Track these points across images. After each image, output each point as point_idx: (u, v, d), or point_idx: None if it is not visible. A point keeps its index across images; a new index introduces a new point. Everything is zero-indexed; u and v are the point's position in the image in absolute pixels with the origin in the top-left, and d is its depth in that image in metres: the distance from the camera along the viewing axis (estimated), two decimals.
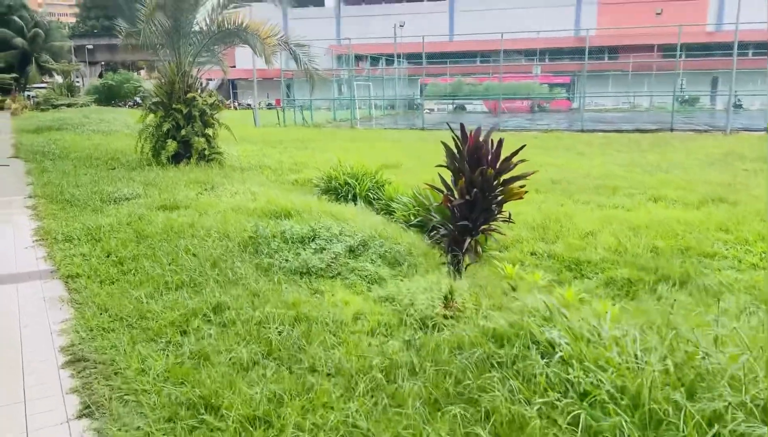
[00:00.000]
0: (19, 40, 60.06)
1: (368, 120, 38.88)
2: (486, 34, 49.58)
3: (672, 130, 25.89)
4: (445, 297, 4.20)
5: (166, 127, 12.89)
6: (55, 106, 42.82)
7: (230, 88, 73.75)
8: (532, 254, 7.39)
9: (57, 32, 68.85)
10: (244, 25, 12.60)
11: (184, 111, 12.97)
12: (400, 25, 52.69)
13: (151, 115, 13.51)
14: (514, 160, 5.54)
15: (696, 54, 48.48)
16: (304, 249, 5.86)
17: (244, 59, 72.62)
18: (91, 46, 72.86)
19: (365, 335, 4.02)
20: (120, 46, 74.69)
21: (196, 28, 13.46)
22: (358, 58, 42.42)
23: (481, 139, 5.62)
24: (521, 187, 5.49)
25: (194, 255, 5.81)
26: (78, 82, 67.98)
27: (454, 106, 53.88)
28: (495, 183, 5.47)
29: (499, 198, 5.54)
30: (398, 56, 50.19)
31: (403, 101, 52.21)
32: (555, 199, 10.30)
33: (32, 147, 16.86)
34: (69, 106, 43.33)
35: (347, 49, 37.43)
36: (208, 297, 4.65)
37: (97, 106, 48.13)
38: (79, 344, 4.00)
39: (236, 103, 61.74)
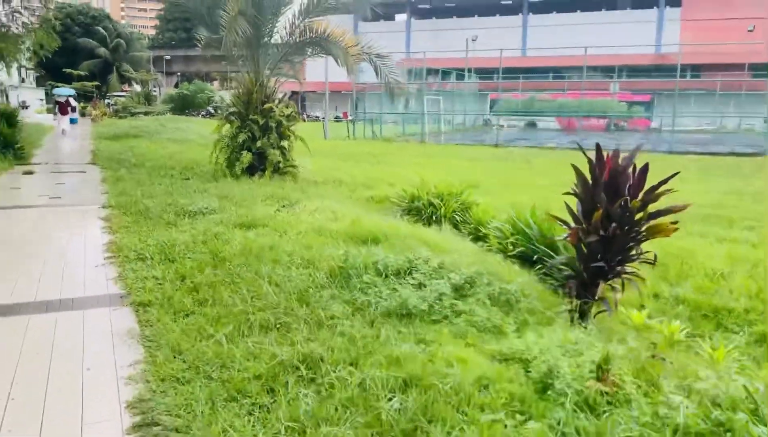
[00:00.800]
0: (102, 50, 62.80)
1: (437, 135, 38.10)
2: (561, 49, 48.11)
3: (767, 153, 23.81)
4: (599, 367, 3.28)
5: (241, 137, 12.48)
6: (132, 114, 44.20)
7: (299, 101, 74.76)
8: (654, 296, 6.33)
9: (137, 43, 71.81)
10: (326, 33, 12.07)
11: (261, 122, 12.53)
12: (473, 39, 51.83)
13: (227, 126, 13.15)
14: (662, 188, 4.57)
15: None
16: (401, 285, 5.06)
17: (313, 72, 73.61)
18: (168, 57, 75.48)
19: (496, 411, 3.16)
20: (198, 56, 76.62)
21: (276, 37, 13.06)
22: (429, 72, 41.73)
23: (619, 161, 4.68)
24: (673, 222, 4.50)
25: (278, 285, 5.11)
26: (155, 91, 70.53)
27: (526, 122, 52.45)
28: (638, 217, 4.52)
29: (641, 235, 4.58)
30: (468, 70, 49.29)
31: (472, 117, 51.16)
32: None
33: (109, 154, 16.93)
34: (146, 114, 44.62)
35: (420, 62, 36.81)
36: (298, 345, 3.90)
37: (172, 114, 49.44)
38: (149, 400, 3.32)
39: (305, 115, 62.28)
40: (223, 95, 65.49)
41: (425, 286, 5.04)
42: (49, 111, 50.72)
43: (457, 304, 4.76)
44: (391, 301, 4.73)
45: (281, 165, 12.75)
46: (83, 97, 55.54)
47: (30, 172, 13.36)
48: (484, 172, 16.54)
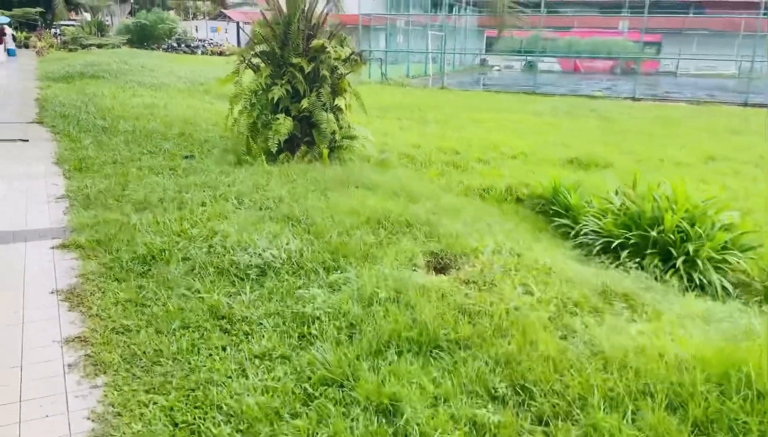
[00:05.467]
0: None
1: (438, 77, 33.63)
2: None
3: None
4: None
5: (276, 93, 7.91)
6: (84, 46, 37.97)
7: None
8: None
9: None
10: None
11: (307, 69, 7.98)
12: None
13: (246, 73, 8.49)
14: None
15: None
16: None
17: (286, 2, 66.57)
18: None
19: None
20: None
21: None
22: (433, 3, 36.55)
23: None
24: None
25: None
26: (107, 20, 62.62)
27: (524, 63, 47.87)
28: None
29: None
30: (467, 3, 44.36)
31: (469, 57, 46.45)
32: None
33: (62, 106, 12.02)
34: (99, 46, 38.46)
35: None
36: None
37: (130, 47, 43.14)
38: None
39: None
40: (187, 26, 58.54)
41: None
42: None
43: None
44: None
45: (336, 137, 8.30)
46: (26, 25, 48.26)
47: None
48: (577, 135, 12.34)
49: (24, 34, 44.79)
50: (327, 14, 8.43)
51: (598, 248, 5.21)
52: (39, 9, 51.54)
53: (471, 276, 3.75)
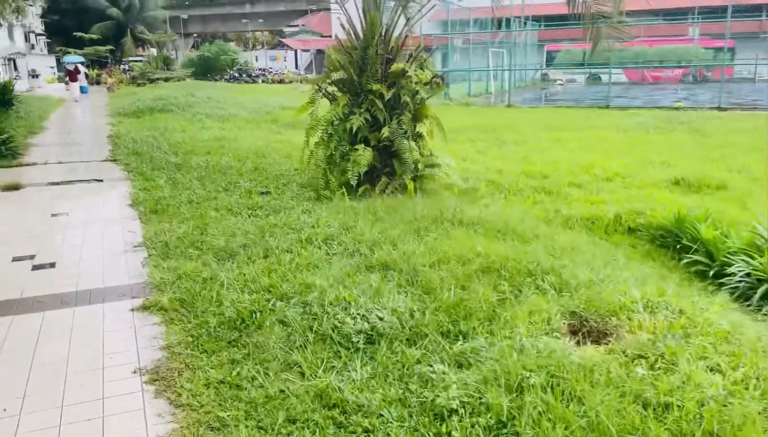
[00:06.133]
0: (114, 11, 57.56)
1: (502, 95, 32.83)
2: None
3: None
4: None
5: (355, 123, 7.39)
6: (151, 81, 39.20)
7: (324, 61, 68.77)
8: None
9: (152, 2, 66.17)
10: None
11: (387, 95, 7.42)
12: None
13: (321, 102, 7.99)
14: None
15: None
16: None
17: (340, 28, 67.31)
18: (185, 17, 69.88)
19: None
20: (215, 15, 71.39)
21: None
22: (493, 21, 35.82)
23: None
24: None
25: None
26: (172, 54, 64.94)
27: (588, 76, 46.27)
28: None
29: None
30: (526, 18, 43.38)
31: (530, 73, 45.32)
32: None
33: (135, 143, 11.95)
34: (166, 80, 39.64)
35: (486, 11, 31.17)
36: None
37: (194, 79, 44.34)
38: None
39: None
40: (247, 56, 59.91)
41: None
42: (60, 80, 45.92)
43: None
44: None
45: (419, 166, 7.69)
46: (97, 63, 50.49)
47: (13, 187, 8.37)
48: (673, 152, 11.29)
49: (95, 71, 46.78)
50: (406, 37, 7.89)
51: (759, 295, 4.34)
52: (109, 47, 54.00)
53: (635, 348, 3.00)
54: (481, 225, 5.61)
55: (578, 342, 3.23)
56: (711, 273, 5.11)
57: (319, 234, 5.44)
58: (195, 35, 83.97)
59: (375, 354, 3.29)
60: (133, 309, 4.10)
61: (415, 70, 7.70)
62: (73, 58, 35.55)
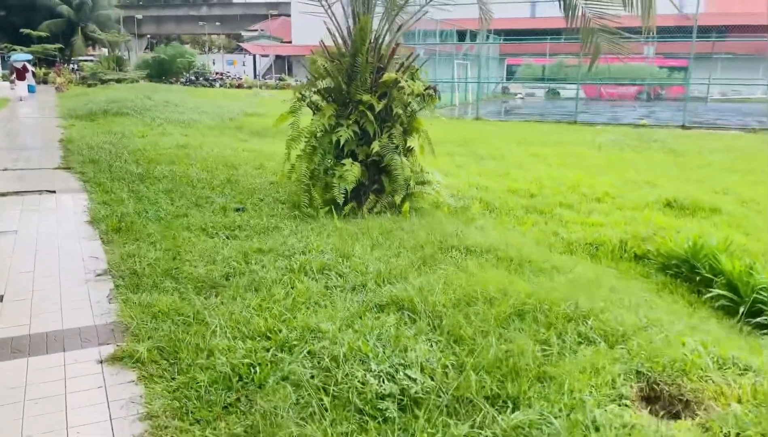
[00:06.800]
0: (64, 8, 55.18)
1: (464, 106, 32.90)
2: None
3: None
4: None
5: (342, 135, 6.79)
6: (103, 82, 37.59)
7: (285, 67, 67.81)
8: None
9: (104, 0, 63.89)
10: None
11: (378, 107, 6.86)
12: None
13: (301, 111, 7.33)
14: None
15: None
16: None
17: (303, 33, 66.43)
18: (140, 17, 67.75)
19: None
20: (170, 16, 69.77)
21: None
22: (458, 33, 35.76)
23: None
24: None
25: None
26: (125, 55, 62.71)
27: (548, 90, 46.89)
28: None
29: None
30: (488, 32, 43.52)
31: (491, 86, 45.53)
32: None
33: (90, 149, 11.00)
34: (119, 81, 38.10)
35: (451, 23, 31.20)
36: None
37: (148, 82, 42.79)
38: None
39: (298, 82, 55.68)
40: (206, 60, 58.37)
41: None
42: (4, 78, 43.54)
43: None
44: None
45: (411, 184, 7.14)
46: (45, 61, 48.18)
47: None
48: (654, 172, 11.12)
49: (43, 70, 44.63)
50: (398, 45, 7.34)
51: None
52: (58, 45, 51.70)
53: (734, 425, 2.50)
54: (491, 254, 5.09)
55: (655, 413, 2.71)
56: (741, 310, 4.72)
57: (313, 262, 4.82)
58: (149, 36, 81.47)
59: (409, 427, 2.70)
60: (102, 361, 3.38)
61: (407, 81, 7.17)
62: (22, 56, 33.99)
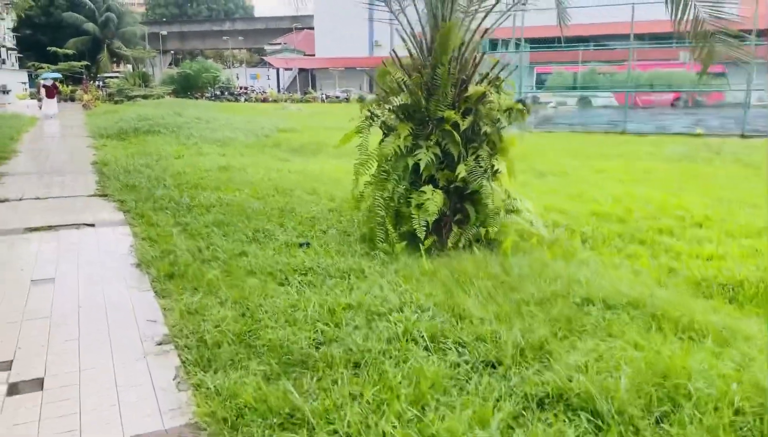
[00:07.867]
0: (90, 26, 55.63)
1: None
2: (602, 14, 41.29)
3: None
4: None
5: (423, 158, 5.85)
6: (130, 98, 37.33)
7: (308, 79, 67.49)
8: None
9: (129, 17, 64.35)
10: None
11: (463, 125, 5.91)
12: (522, 2, 44.59)
13: (368, 134, 6.40)
14: None
15: None
16: None
17: (323, 46, 65.96)
18: (164, 33, 68.05)
19: None
20: (194, 32, 70.21)
21: None
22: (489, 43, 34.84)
23: None
24: None
25: None
26: (149, 71, 62.94)
27: (579, 99, 45.65)
28: None
29: None
30: (518, 40, 42.56)
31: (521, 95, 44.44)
32: None
33: (126, 173, 10.21)
34: (145, 97, 37.81)
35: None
36: None
37: (174, 97, 42.56)
38: None
39: (324, 96, 55.32)
40: (230, 74, 58.16)
41: None
42: (32, 96, 43.63)
43: None
44: None
45: (500, 212, 6.17)
46: (71, 79, 48.30)
47: None
48: (746, 190, 10.00)
49: (70, 87, 44.70)
50: (483, 53, 6.40)
51: None
52: (84, 62, 51.89)
53: None
54: (638, 310, 4.08)
55: None
56: None
57: (419, 324, 3.86)
58: (173, 52, 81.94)
59: None
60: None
61: (494, 95, 6.21)
62: (51, 75, 34.31)
